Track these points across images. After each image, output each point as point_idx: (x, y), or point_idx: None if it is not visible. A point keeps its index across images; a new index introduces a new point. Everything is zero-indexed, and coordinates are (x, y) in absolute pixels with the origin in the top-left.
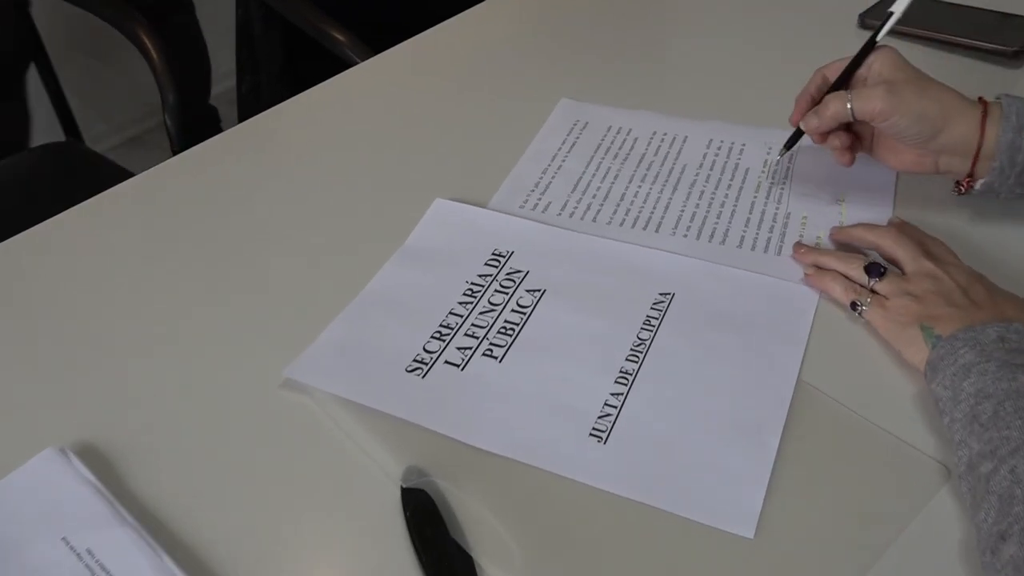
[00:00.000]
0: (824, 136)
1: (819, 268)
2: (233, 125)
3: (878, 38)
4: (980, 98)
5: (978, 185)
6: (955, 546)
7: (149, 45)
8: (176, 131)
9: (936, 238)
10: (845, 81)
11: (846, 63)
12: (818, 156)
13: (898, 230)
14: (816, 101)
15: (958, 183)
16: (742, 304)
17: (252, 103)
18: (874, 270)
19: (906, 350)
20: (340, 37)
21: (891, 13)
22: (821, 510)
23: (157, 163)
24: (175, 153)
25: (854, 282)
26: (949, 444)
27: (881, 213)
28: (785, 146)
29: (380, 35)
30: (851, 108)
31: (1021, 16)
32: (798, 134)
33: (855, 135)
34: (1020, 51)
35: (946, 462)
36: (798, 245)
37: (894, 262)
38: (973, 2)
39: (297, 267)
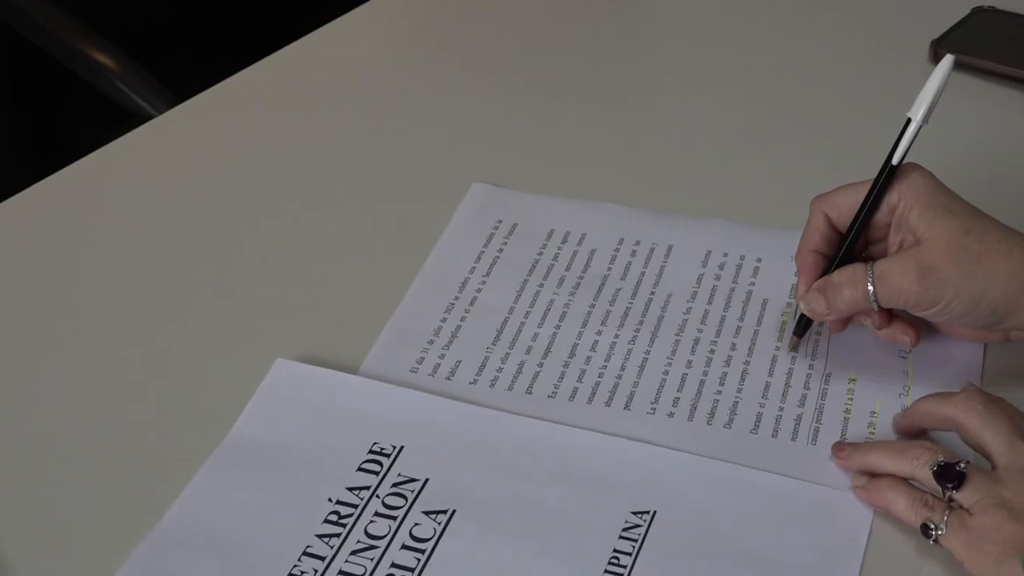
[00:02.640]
0: (843, 323)
1: (873, 476)
2: None
3: (895, 159)
4: None
5: None
6: None
7: None
8: None
9: None
10: (859, 234)
11: (854, 193)
12: None
13: (983, 400)
14: (825, 258)
15: None
16: (760, 526)
17: None
18: (948, 474)
19: None
20: (108, 63)
21: (909, 120)
22: None
23: None
24: None
25: (923, 488)
26: None
27: (968, 372)
28: (795, 332)
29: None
30: (873, 293)
31: None
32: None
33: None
34: None
35: None
36: (838, 447)
37: (980, 449)
38: None
39: (52, 485)
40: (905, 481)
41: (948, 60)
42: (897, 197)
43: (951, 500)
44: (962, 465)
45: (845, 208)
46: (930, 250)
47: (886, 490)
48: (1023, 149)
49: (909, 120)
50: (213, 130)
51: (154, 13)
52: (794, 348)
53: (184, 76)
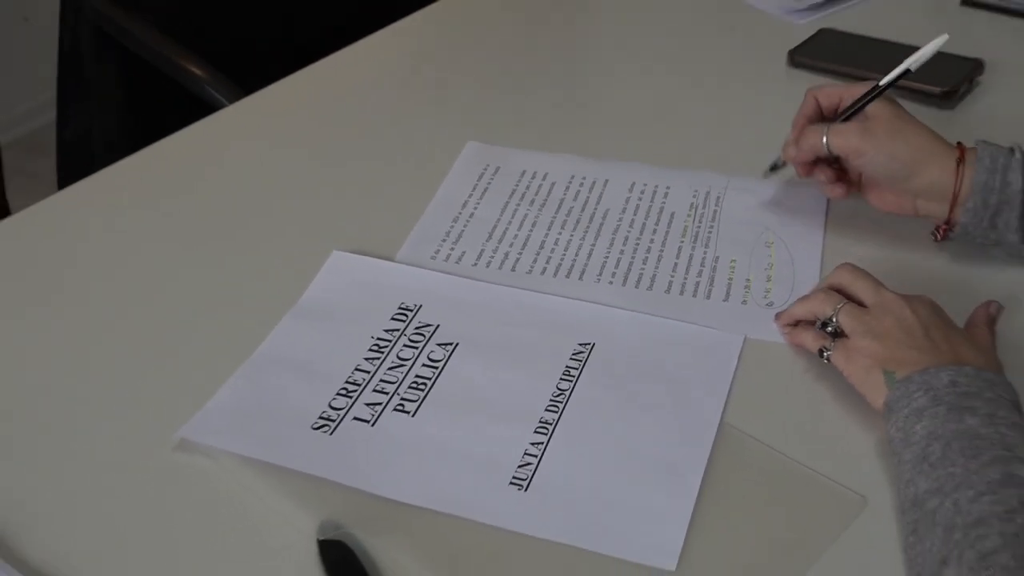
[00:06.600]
0: (807, 168)
1: (793, 327)
2: (52, 179)
3: (882, 82)
4: (958, 144)
5: (955, 230)
6: (871, 573)
7: None
8: None
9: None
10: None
11: (840, 90)
12: (746, 198)
13: (852, 266)
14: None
15: (935, 229)
16: (663, 353)
17: (79, 154)
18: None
19: (869, 395)
20: (198, 72)
21: (909, 70)
22: (742, 542)
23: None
24: None
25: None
26: (868, 475)
27: (810, 256)
28: (770, 167)
29: (249, 70)
30: (826, 142)
31: (953, 56)
32: (782, 160)
33: (842, 171)
34: (950, 92)
35: (863, 492)
36: (776, 315)
37: (854, 297)
38: (904, 39)
39: (181, 326)
40: (812, 324)
41: (943, 37)
42: (872, 103)
43: (838, 329)
44: (838, 308)
45: (829, 96)
46: (872, 117)
47: (800, 332)
48: None
49: (907, 70)
50: (277, 112)
51: (236, 31)
52: (766, 176)
53: (258, 82)
